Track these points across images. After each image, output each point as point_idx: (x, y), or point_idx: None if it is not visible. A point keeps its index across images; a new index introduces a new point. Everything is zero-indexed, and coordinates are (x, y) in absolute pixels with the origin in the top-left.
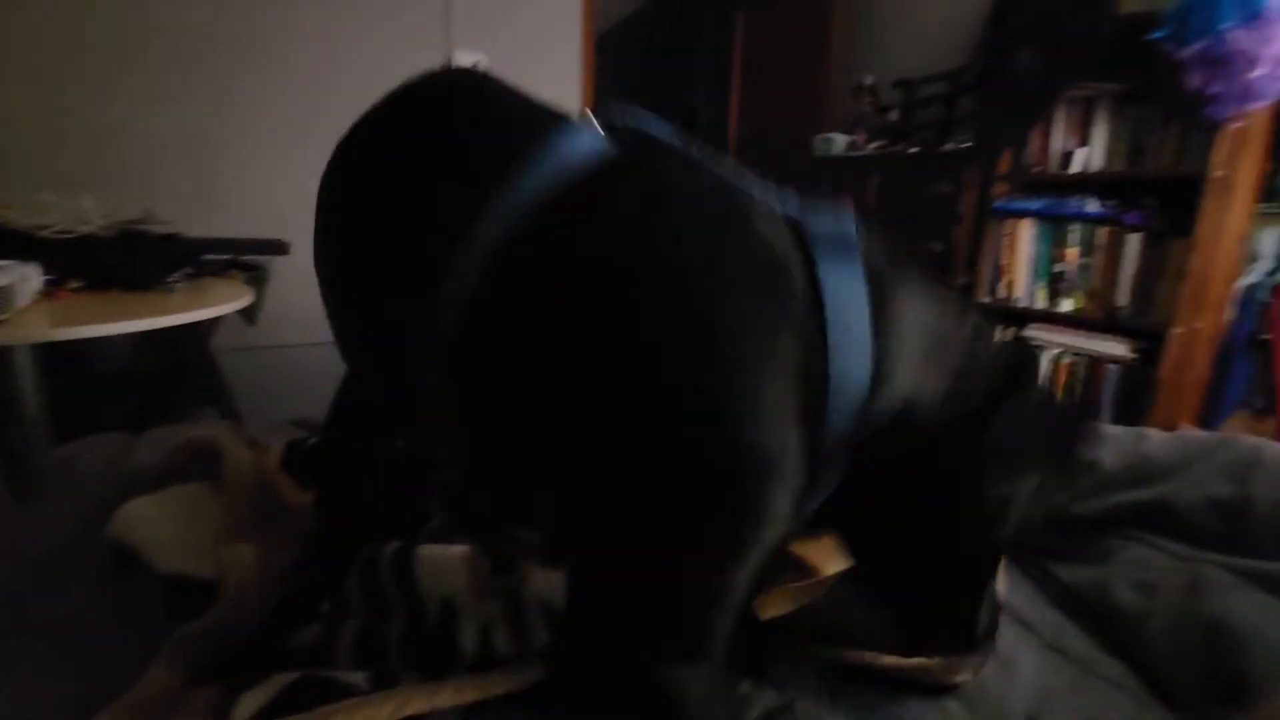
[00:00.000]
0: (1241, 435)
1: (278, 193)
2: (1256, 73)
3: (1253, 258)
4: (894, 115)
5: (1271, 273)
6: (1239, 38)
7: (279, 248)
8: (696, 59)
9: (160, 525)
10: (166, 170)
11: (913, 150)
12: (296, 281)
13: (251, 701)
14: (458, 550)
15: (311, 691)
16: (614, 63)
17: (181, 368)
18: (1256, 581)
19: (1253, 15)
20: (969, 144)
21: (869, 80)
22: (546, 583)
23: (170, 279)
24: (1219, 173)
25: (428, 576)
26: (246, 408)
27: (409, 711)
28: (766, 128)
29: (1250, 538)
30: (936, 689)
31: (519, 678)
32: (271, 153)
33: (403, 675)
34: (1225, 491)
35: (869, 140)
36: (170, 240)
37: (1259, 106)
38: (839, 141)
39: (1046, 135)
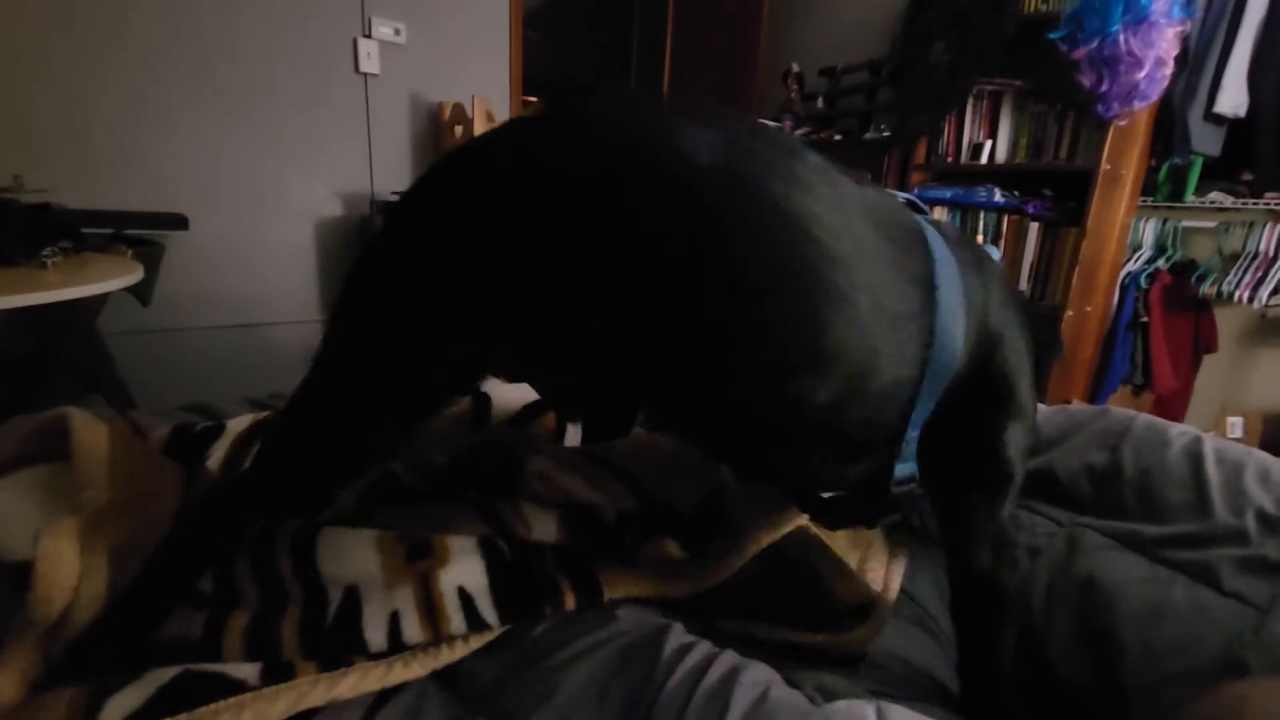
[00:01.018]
0: (1117, 408)
1: (176, 163)
2: (1141, 74)
3: (1135, 247)
4: (819, 103)
5: (1151, 261)
6: (1126, 40)
7: (177, 222)
8: (631, 41)
9: (8, 511)
10: (42, 136)
11: (837, 138)
12: (196, 259)
13: (122, 704)
14: (367, 534)
15: (194, 688)
16: (545, 40)
17: (60, 351)
18: (1123, 541)
19: (1139, 19)
20: (888, 133)
21: (795, 67)
22: (464, 568)
23: (43, 253)
24: (1107, 167)
25: (330, 560)
26: (141, 395)
27: (306, 705)
28: None
29: (1119, 500)
30: (848, 659)
31: (427, 662)
32: (167, 121)
33: (299, 667)
34: (1099, 459)
35: (796, 127)
36: (42, 210)
37: (1142, 106)
38: None
39: (959, 127)
